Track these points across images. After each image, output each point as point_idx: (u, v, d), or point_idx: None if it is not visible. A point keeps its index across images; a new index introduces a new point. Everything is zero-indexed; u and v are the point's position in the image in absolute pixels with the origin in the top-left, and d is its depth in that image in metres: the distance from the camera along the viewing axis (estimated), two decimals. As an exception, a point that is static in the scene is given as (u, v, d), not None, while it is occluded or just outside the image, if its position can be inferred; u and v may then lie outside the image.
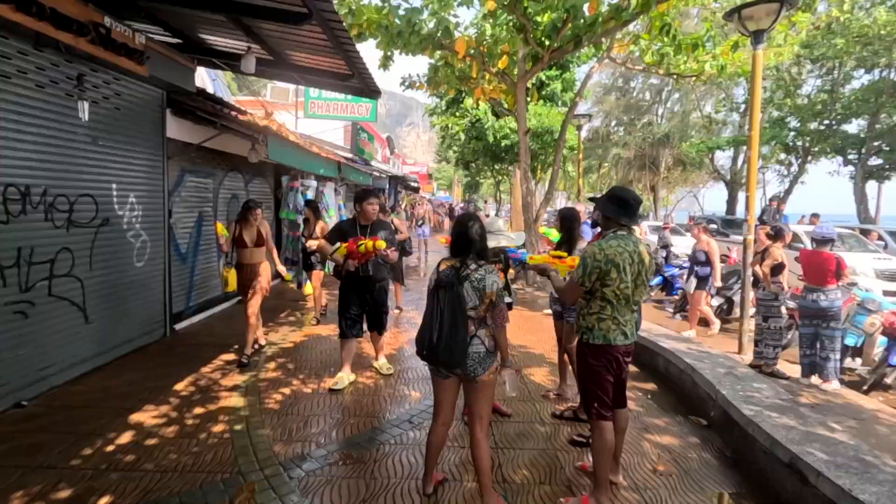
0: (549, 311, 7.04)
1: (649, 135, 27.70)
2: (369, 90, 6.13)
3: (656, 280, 9.28)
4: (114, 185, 4.81)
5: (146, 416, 3.67)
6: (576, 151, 17.04)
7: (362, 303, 4.43)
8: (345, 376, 4.37)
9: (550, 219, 11.89)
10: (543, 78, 15.04)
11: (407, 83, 11.68)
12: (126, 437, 3.36)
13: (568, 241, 3.99)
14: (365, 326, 4.61)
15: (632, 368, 4.63)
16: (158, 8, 4.45)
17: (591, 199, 3.19)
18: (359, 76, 5.44)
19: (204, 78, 12.67)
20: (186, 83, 5.63)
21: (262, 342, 5.47)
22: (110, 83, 4.62)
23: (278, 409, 3.90)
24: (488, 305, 2.53)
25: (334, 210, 9.48)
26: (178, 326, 6.11)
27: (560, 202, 46.55)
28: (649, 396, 4.48)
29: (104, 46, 4.04)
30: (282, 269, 5.48)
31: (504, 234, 3.56)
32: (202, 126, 6.06)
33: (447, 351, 2.46)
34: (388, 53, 9.96)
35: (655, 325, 6.34)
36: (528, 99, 11.59)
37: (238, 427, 3.58)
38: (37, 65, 3.79)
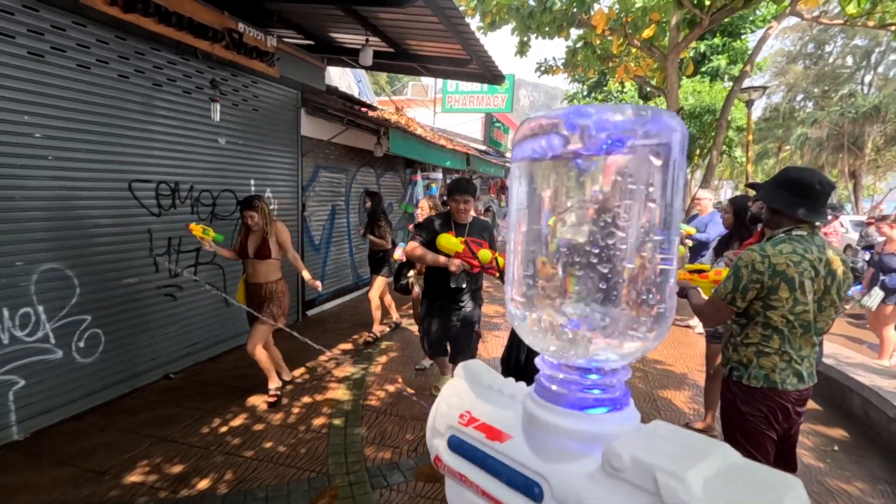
0: (700, 330, 5.98)
1: (850, 109, 22.54)
2: (491, 75, 5.75)
3: (854, 288, 7.30)
4: (252, 181, 5.22)
5: (260, 400, 3.85)
6: (745, 132, 14.51)
7: (446, 324, 3.47)
8: (446, 379, 4.11)
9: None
10: (704, 49, 13.00)
11: (543, 68, 11.03)
12: (238, 420, 3.54)
13: (739, 238, 3.24)
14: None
15: (809, 404, 3.56)
16: (285, 10, 4.65)
17: (750, 186, 2.37)
18: (476, 59, 5.10)
19: (350, 81, 13.60)
20: (318, 82, 5.89)
21: (391, 324, 5.54)
22: (248, 86, 4.99)
23: (378, 407, 3.80)
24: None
25: (461, 203, 9.35)
26: (309, 313, 6.51)
27: (725, 193, 40.81)
28: (835, 448, 3.38)
29: (237, 51, 4.33)
30: (310, 279, 3.87)
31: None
32: (333, 123, 6.32)
33: (536, 371, 1.99)
34: (524, 39, 9.48)
35: (844, 350, 4.89)
36: (682, 73, 10.07)
37: (337, 422, 3.55)
38: (183, 72, 4.20)
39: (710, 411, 3.54)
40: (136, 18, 3.41)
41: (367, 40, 4.94)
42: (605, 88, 16.16)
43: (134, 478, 2.85)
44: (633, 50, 9.56)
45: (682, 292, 2.29)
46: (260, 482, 2.82)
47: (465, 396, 0.45)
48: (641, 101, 15.44)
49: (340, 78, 12.85)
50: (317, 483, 2.82)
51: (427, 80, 18.14)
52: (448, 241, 3.15)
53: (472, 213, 3.39)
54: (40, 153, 3.21)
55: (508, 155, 17.09)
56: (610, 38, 8.61)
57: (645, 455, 0.30)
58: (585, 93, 17.91)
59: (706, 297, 2.19)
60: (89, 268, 3.57)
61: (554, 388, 0.39)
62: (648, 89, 14.53)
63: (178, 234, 4.32)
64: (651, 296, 0.35)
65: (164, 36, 3.70)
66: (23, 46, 3.06)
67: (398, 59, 5.77)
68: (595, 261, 0.34)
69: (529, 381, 2.31)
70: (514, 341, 2.11)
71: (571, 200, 0.36)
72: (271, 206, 5.54)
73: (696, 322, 6.08)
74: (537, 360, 0.43)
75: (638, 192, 0.34)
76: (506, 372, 2.18)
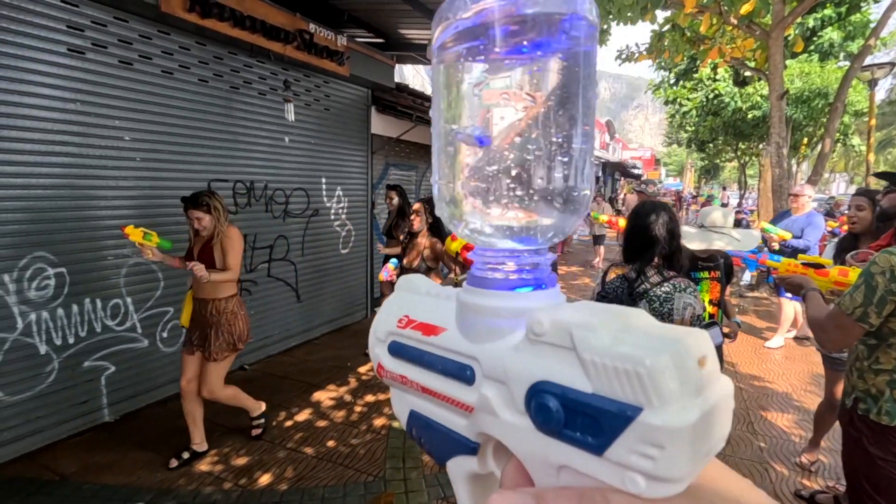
0: (770, 344, 5.21)
1: None
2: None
3: None
4: (323, 180, 5.32)
5: (325, 396, 3.88)
6: (866, 117, 12.69)
7: None
8: None
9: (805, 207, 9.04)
10: (812, 23, 11.51)
11: (625, 56, 10.38)
12: (303, 415, 3.58)
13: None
14: None
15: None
16: (354, 8, 4.66)
17: (881, 176, 1.93)
18: (549, 47, 4.80)
19: (423, 80, 13.68)
20: (387, 80, 5.90)
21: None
22: (320, 86, 5.08)
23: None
24: (675, 338, 1.70)
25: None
26: (378, 309, 6.57)
27: (837, 187, 36.29)
28: None
29: (308, 51, 4.40)
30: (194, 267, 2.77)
31: (721, 231, 2.53)
32: (402, 120, 6.31)
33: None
34: (604, 26, 8.94)
35: None
36: (788, 51, 8.96)
37: (397, 424, 3.47)
38: (258, 75, 4.34)
39: (820, 440, 3.03)
40: (212, 24, 3.54)
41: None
42: (696, 76, 14.86)
43: (203, 466, 2.95)
44: (728, 29, 8.66)
45: (795, 288, 1.88)
46: (318, 481, 2.80)
47: (403, 304, 0.44)
48: (737, 88, 14.04)
49: (414, 77, 12.99)
50: (373, 487, 2.75)
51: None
52: (448, 244, 3.04)
53: None
54: (129, 155, 3.44)
55: (586, 149, 16.36)
56: (700, 18, 7.84)
57: (562, 317, 0.31)
58: (672, 81, 16.64)
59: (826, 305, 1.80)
60: (172, 263, 3.78)
61: (483, 274, 0.39)
62: (746, 73, 13.18)
63: (253, 231, 4.49)
64: (566, 182, 0.35)
65: (240, 39, 3.83)
66: (114, 56, 3.28)
67: (467, 52, 5.61)
68: (514, 150, 0.34)
69: None
70: None
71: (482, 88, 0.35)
72: (341, 205, 5.64)
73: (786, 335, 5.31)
74: (469, 254, 0.40)
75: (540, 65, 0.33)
76: None
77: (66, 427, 3.20)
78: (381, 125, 6.11)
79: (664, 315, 1.69)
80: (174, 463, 2.93)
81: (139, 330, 3.60)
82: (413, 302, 0.46)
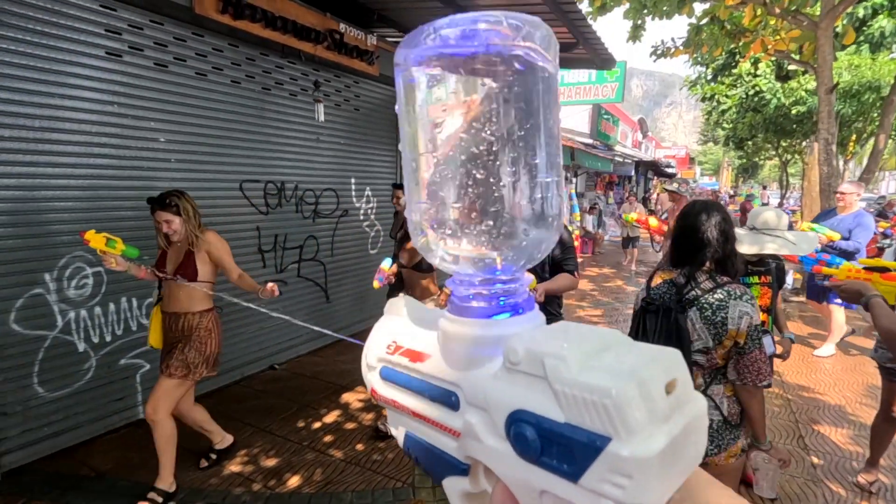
0: (819, 352, 4.88)
1: None
2: (600, 59, 5.25)
3: None
4: (352, 180, 5.32)
5: (354, 398, 3.85)
6: (921, 112, 11.95)
7: None
8: None
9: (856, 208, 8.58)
10: (862, 13, 10.88)
11: (660, 51, 10.06)
12: (332, 416, 3.55)
13: None
14: None
15: None
16: (384, 7, 4.62)
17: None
18: (584, 41, 4.65)
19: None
20: (417, 79, 5.84)
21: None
22: (350, 86, 5.07)
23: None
24: (731, 350, 1.57)
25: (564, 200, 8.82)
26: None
27: (887, 186, 34.39)
28: None
29: (338, 51, 4.39)
30: (271, 287, 2.75)
31: (774, 233, 2.37)
32: (431, 120, 6.25)
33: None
34: (639, 22, 8.67)
35: None
36: (838, 43, 8.48)
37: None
38: (290, 76, 4.36)
39: (878, 458, 2.81)
40: (244, 25, 3.56)
41: (465, 31, 4.75)
42: (735, 71, 14.26)
43: (233, 467, 2.95)
44: (772, 21, 8.27)
45: (853, 296, 1.71)
46: (346, 485, 2.76)
47: (391, 329, 0.46)
48: (779, 84, 13.43)
49: (443, 76, 12.93)
50: (402, 494, 2.68)
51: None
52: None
53: None
54: (164, 156, 3.49)
55: (618, 148, 15.99)
56: (742, 10, 7.51)
57: (536, 346, 0.33)
58: (710, 76, 16.05)
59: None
60: (205, 262, 3.82)
61: (461, 303, 0.40)
62: (790, 67, 12.60)
63: (283, 231, 4.51)
64: (535, 207, 0.37)
65: (271, 40, 3.84)
66: (150, 58, 3.33)
67: (498, 49, 5.50)
68: (481, 177, 0.36)
69: None
70: None
71: (449, 115, 0.36)
72: (370, 205, 5.62)
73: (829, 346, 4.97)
74: (447, 281, 0.42)
75: (504, 101, 0.34)
76: None
77: (103, 423, 3.26)
78: (410, 125, 6.06)
79: (717, 324, 1.56)
80: (204, 463, 2.94)
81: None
82: (400, 327, 0.47)
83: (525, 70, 0.36)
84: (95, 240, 2.47)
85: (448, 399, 0.40)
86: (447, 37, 0.36)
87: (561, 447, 0.29)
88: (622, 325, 5.99)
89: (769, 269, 2.46)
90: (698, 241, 1.64)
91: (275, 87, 4.24)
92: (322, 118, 4.39)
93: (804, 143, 15.65)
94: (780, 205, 19.01)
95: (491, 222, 0.38)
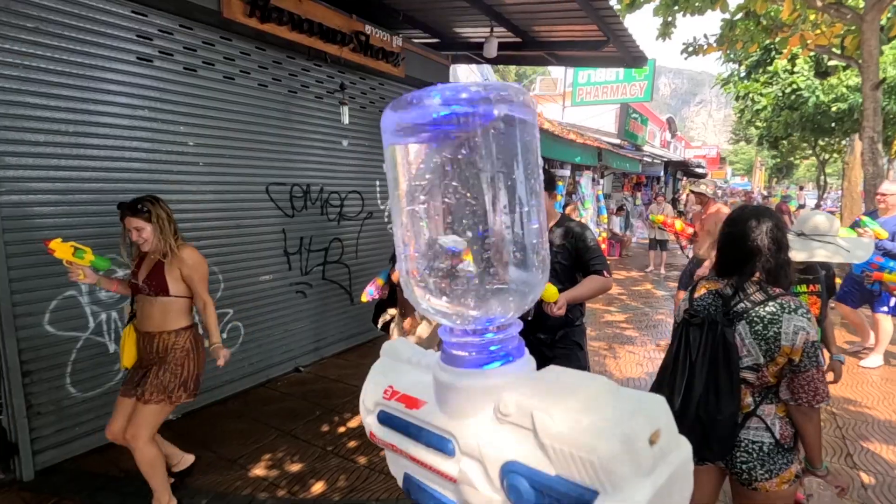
0: (866, 363, 4.60)
1: None
2: (630, 57, 5.10)
3: None
4: (377, 182, 5.30)
5: (378, 403, 3.81)
6: (974, 108, 11.30)
7: None
8: None
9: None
10: (913, 6, 10.32)
11: (692, 48, 9.77)
12: (356, 421, 3.52)
13: None
14: None
15: None
16: (410, 8, 4.58)
17: None
18: (614, 39, 4.52)
19: (477, 80, 13.53)
20: (443, 80, 5.79)
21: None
22: (375, 88, 5.05)
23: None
24: (784, 368, 1.46)
25: (591, 201, 8.63)
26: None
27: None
28: None
29: (364, 53, 4.37)
30: (217, 346, 2.47)
31: (825, 238, 2.21)
32: (457, 121, 6.20)
33: (698, 429, 1.52)
34: (669, 18, 8.43)
35: None
36: (884, 35, 8.07)
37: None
38: (315, 78, 4.36)
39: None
40: (271, 28, 3.56)
41: (491, 30, 4.68)
42: (771, 69, 13.73)
43: (258, 471, 2.94)
44: (812, 16, 7.92)
45: None
46: (371, 493, 2.72)
47: (388, 373, 0.48)
48: (817, 80, 12.89)
49: (468, 78, 12.86)
50: None
51: (556, 74, 17.39)
52: None
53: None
54: (192, 160, 3.52)
55: (647, 148, 15.63)
56: (780, 3, 7.20)
57: (526, 399, 0.34)
58: (743, 74, 15.52)
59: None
60: (231, 265, 3.85)
61: (453, 352, 0.41)
62: (831, 62, 12.08)
63: (308, 233, 4.51)
64: (522, 254, 0.39)
65: (298, 43, 3.84)
66: (179, 62, 3.36)
67: (524, 49, 5.41)
68: (471, 230, 0.38)
69: (701, 431, 1.43)
70: (666, 375, 1.65)
71: (438, 173, 0.39)
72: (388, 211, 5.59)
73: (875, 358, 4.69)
74: (439, 330, 0.44)
75: (492, 160, 0.37)
76: None
77: (133, 423, 3.30)
78: (435, 126, 6.01)
79: (769, 339, 1.44)
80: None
81: (200, 331, 3.67)
82: (396, 371, 0.49)
83: (503, 132, 0.38)
84: (61, 249, 2.24)
85: (444, 446, 0.41)
86: (430, 106, 0.38)
87: (552, 499, 0.30)
88: (651, 330, 5.81)
89: (818, 277, 2.31)
90: (748, 249, 1.53)
91: (301, 89, 4.25)
92: (347, 120, 4.37)
93: (844, 142, 14.99)
94: (818, 206, 18.26)
95: (476, 278, 0.39)
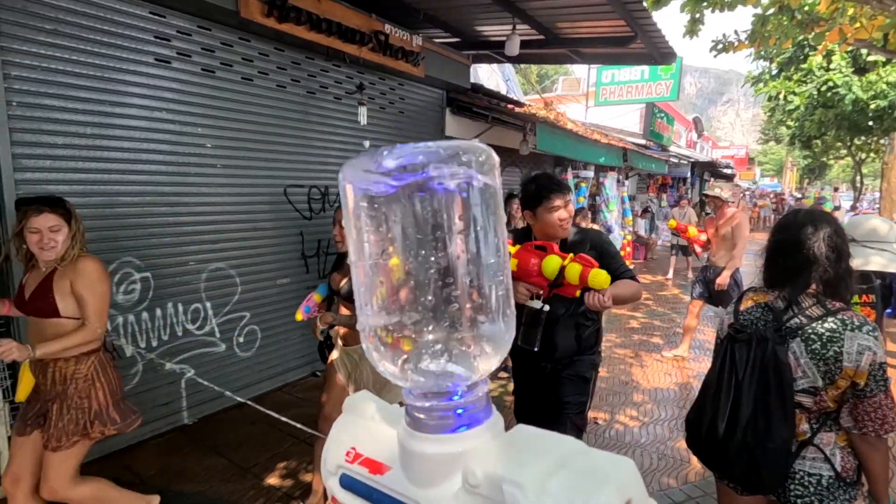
0: None
1: None
2: (659, 53, 4.90)
3: None
4: (396, 184, 5.21)
5: (395, 411, 3.71)
6: None
7: (525, 401, 2.31)
8: None
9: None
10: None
11: (721, 46, 9.44)
12: (372, 430, 3.43)
13: None
14: None
15: None
16: (431, 7, 4.49)
17: None
18: (642, 35, 4.34)
19: (498, 81, 13.38)
20: (463, 80, 5.69)
21: None
22: (395, 88, 4.97)
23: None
24: (847, 392, 1.30)
25: (615, 203, 8.40)
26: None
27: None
28: None
29: (383, 52, 4.29)
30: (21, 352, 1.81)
31: (881, 245, 2.02)
32: (478, 122, 6.07)
33: (745, 457, 1.36)
34: (697, 15, 8.15)
35: None
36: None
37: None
38: (334, 79, 4.30)
39: None
40: (289, 28, 3.51)
41: (513, 27, 4.54)
42: (805, 66, 13.19)
43: (272, 480, 2.87)
44: (850, 10, 7.54)
45: None
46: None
47: (350, 432, 0.46)
48: (855, 78, 12.33)
49: (489, 78, 12.73)
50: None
51: (580, 73, 17.13)
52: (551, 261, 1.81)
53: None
54: (210, 162, 3.48)
55: (673, 148, 15.24)
56: (818, -4, 6.87)
57: (494, 468, 0.33)
58: (775, 71, 14.97)
59: None
60: (249, 268, 3.81)
61: (418, 415, 0.39)
62: (871, 57, 11.55)
63: (326, 236, 4.45)
64: (488, 314, 0.38)
65: (316, 43, 3.78)
66: (197, 63, 3.33)
67: (547, 47, 5.26)
68: (434, 289, 0.37)
69: (732, 453, 1.38)
70: (708, 395, 1.50)
71: (398, 232, 0.39)
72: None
73: None
74: (404, 391, 0.41)
75: (452, 222, 0.38)
76: (694, 443, 1.56)
77: (149, 428, 3.27)
78: (455, 127, 5.91)
79: (828, 360, 1.28)
80: None
81: (217, 334, 3.65)
82: (359, 430, 0.47)
83: (461, 192, 0.38)
84: None
85: None
86: (388, 167, 0.38)
87: None
88: (679, 338, 5.57)
89: (873, 287, 2.12)
90: (802, 258, 1.37)
91: (319, 90, 4.19)
92: (365, 121, 4.29)
93: (883, 141, 14.32)
94: (853, 208, 17.52)
95: (439, 339, 0.38)
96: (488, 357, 0.40)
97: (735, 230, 4.43)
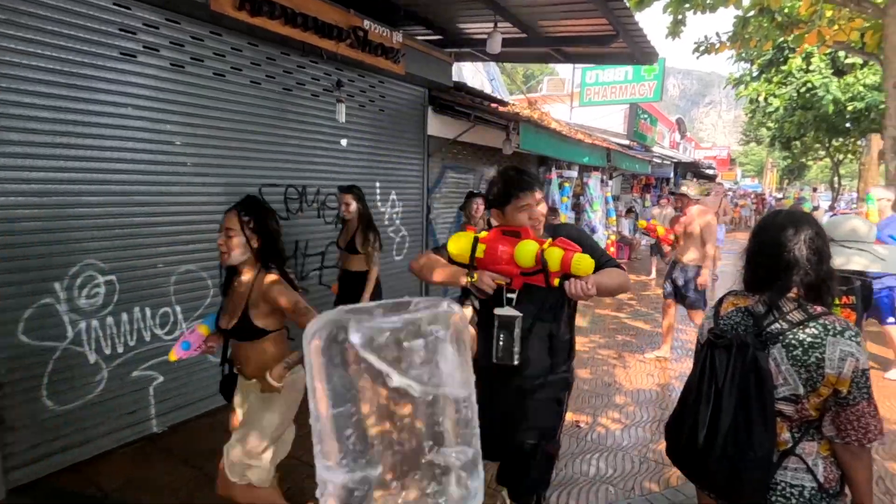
0: (891, 375, 4.32)
1: None
2: (641, 52, 4.88)
3: None
4: (377, 184, 5.12)
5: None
6: None
7: (491, 424, 1.36)
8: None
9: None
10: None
11: (703, 47, 9.51)
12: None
13: None
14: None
15: None
16: (411, 2, 4.41)
17: None
18: (624, 34, 4.31)
19: (483, 80, 13.34)
20: (445, 78, 5.62)
21: None
22: (375, 86, 4.87)
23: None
24: (829, 400, 1.25)
25: (599, 203, 8.40)
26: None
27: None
28: None
29: (362, 48, 4.20)
30: None
31: (860, 246, 2.00)
32: (460, 120, 6.00)
33: (726, 467, 1.31)
34: (679, 16, 8.19)
35: None
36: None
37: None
38: (311, 76, 4.19)
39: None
40: (263, 22, 3.40)
41: (495, 25, 4.48)
42: (785, 69, 13.39)
43: (243, 491, 2.76)
44: (829, 12, 7.64)
45: None
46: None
47: None
48: (834, 79, 12.55)
49: (473, 78, 12.68)
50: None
51: (564, 74, 17.19)
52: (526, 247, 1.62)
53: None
54: (180, 160, 3.35)
55: (656, 149, 15.36)
56: (797, -2, 6.95)
57: None
58: (755, 73, 15.19)
59: None
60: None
61: None
62: (848, 60, 11.76)
63: (304, 237, 4.34)
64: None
65: (291, 38, 3.67)
66: (166, 58, 3.20)
67: (530, 45, 5.21)
68: (401, 442, 0.42)
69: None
70: (688, 403, 1.44)
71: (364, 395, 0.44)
72: (395, 210, 5.40)
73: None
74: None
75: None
76: (673, 452, 1.50)
77: (115, 437, 3.13)
78: (437, 126, 5.83)
79: (810, 367, 1.23)
80: None
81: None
82: None
83: (431, 353, 0.45)
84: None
85: None
86: (354, 339, 0.43)
87: None
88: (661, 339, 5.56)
89: (853, 288, 2.09)
90: (783, 261, 1.32)
91: (296, 87, 4.08)
92: (343, 119, 4.19)
93: (860, 143, 14.61)
94: (832, 208, 17.86)
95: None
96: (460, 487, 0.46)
97: (704, 228, 4.41)
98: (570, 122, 11.17)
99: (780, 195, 28.82)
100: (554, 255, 1.55)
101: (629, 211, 11.75)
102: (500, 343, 1.69)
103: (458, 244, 1.77)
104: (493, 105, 6.11)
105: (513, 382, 1.81)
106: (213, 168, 3.55)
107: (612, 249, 9.41)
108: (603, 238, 8.55)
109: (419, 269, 1.91)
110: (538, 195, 1.78)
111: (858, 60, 11.40)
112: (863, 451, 1.23)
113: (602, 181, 9.10)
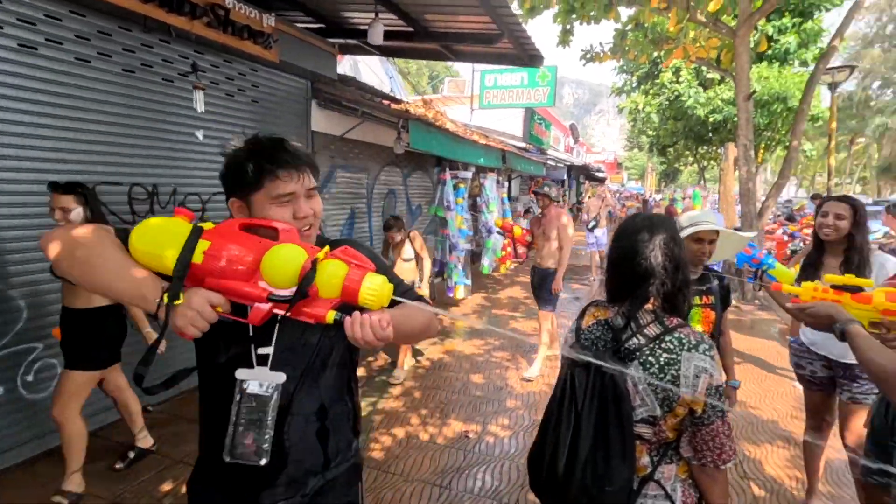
0: (791, 372, 4.75)
1: (942, 94, 20.05)
2: (526, 54, 4.91)
3: None
4: (252, 183, 4.60)
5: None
6: (821, 123, 12.86)
7: None
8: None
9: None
10: (771, 31, 11.53)
11: (589, 55, 10.04)
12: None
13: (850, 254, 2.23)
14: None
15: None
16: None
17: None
18: (509, 34, 4.27)
19: (381, 77, 13.01)
20: (329, 70, 5.24)
21: None
22: (246, 74, 4.37)
23: (380, 461, 3.04)
24: (686, 419, 1.15)
25: (495, 204, 8.49)
26: (323, 328, 5.87)
27: (788, 191, 37.68)
28: None
29: (223, 29, 3.71)
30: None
31: (700, 221, 2.05)
32: (348, 116, 5.66)
33: (585, 501, 1.16)
34: (567, 26, 8.56)
35: None
36: (754, 51, 8.81)
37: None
38: (162, 57, 3.61)
39: (815, 484, 2.60)
40: (85, -14, 2.81)
41: (376, 14, 4.22)
42: (658, 81, 14.73)
43: None
44: (691, 32, 8.44)
45: (823, 321, 1.36)
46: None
47: None
48: (700, 90, 14.01)
49: (370, 77, 12.30)
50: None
51: (466, 76, 17.40)
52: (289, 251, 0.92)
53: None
54: (-30, 150, 2.66)
55: (551, 152, 16.10)
56: (666, 15, 7.55)
57: None
58: (634, 84, 16.54)
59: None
60: (39, 286, 3.00)
61: None
62: (710, 75, 13.16)
63: (158, 244, 3.74)
64: None
65: (128, 10, 3.10)
66: (-58, 20, 2.51)
67: (417, 40, 5.02)
68: None
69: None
70: (549, 427, 1.29)
71: None
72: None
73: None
74: None
75: None
76: (535, 484, 1.35)
77: None
78: (323, 122, 5.43)
79: (668, 383, 1.12)
80: None
81: (-10, 374, 2.81)
82: None
83: None
84: None
85: None
86: None
87: None
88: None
89: (711, 288, 2.13)
90: (640, 269, 1.21)
91: (141, 69, 3.48)
92: (202, 108, 3.67)
93: (720, 150, 16.51)
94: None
95: None
96: None
97: (560, 231, 4.35)
98: (471, 123, 11.25)
99: (659, 196, 31.91)
100: (331, 272, 0.88)
101: (527, 212, 12.14)
102: (240, 429, 1.00)
103: (153, 235, 0.93)
104: (386, 102, 5.85)
105: (262, 497, 1.08)
106: (28, 161, 2.88)
107: (510, 249, 9.59)
108: (500, 239, 8.67)
109: (68, 259, 0.95)
110: (308, 181, 1.09)
111: (717, 76, 12.81)
112: (718, 473, 1.15)
113: (498, 182, 9.23)
